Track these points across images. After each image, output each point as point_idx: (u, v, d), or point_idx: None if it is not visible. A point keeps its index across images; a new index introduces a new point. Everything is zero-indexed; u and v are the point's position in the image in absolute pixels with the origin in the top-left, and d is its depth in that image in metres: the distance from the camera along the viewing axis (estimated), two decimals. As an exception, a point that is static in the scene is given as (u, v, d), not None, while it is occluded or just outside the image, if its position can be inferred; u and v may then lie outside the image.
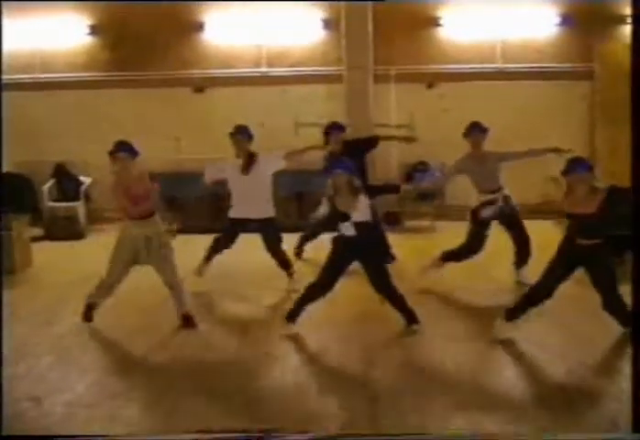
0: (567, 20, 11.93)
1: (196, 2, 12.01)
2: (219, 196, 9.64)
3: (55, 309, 7.18)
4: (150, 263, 6.56)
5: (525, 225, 8.02)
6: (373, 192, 6.56)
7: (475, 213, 7.79)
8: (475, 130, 7.87)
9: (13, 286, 8.07)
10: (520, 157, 8.01)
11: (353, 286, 6.90)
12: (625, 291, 6.97)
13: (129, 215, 6.46)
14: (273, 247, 7.96)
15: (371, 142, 8.86)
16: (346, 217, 6.07)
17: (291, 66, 12.19)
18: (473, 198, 7.92)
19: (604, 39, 12.01)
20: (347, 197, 6.13)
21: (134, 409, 4.83)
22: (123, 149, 6.46)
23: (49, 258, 9.75)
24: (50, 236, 11.26)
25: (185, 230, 11.03)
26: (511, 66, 12.10)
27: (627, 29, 11.90)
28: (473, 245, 7.86)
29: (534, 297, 6.11)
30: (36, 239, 10.43)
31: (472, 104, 11.53)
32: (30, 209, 11.38)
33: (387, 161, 12.00)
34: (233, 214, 7.95)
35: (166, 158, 11.84)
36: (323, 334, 6.34)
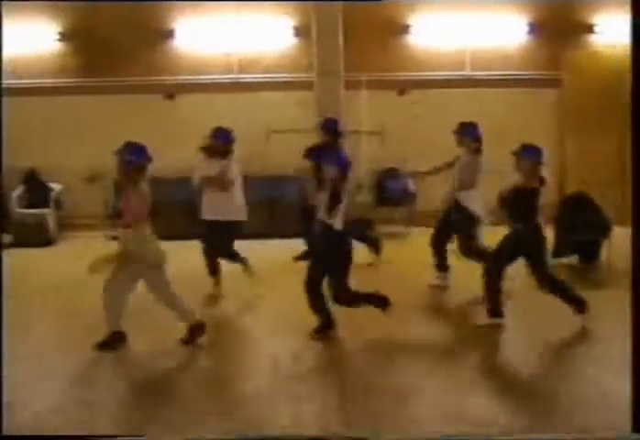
0: (534, 28, 12.10)
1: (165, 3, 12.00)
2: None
3: (24, 317, 7.11)
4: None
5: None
6: None
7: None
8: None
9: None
10: None
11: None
12: (598, 295, 7.10)
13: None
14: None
15: None
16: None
17: (262, 73, 12.20)
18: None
19: (571, 48, 12.18)
20: None
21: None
22: None
23: (18, 265, 9.64)
24: (19, 243, 11.14)
25: (162, 236, 11.10)
26: (480, 73, 12.22)
27: (593, 38, 12.13)
28: None
29: None
30: (4, 246, 10.32)
31: (442, 110, 11.63)
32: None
33: (355, 168, 12.02)
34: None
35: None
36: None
